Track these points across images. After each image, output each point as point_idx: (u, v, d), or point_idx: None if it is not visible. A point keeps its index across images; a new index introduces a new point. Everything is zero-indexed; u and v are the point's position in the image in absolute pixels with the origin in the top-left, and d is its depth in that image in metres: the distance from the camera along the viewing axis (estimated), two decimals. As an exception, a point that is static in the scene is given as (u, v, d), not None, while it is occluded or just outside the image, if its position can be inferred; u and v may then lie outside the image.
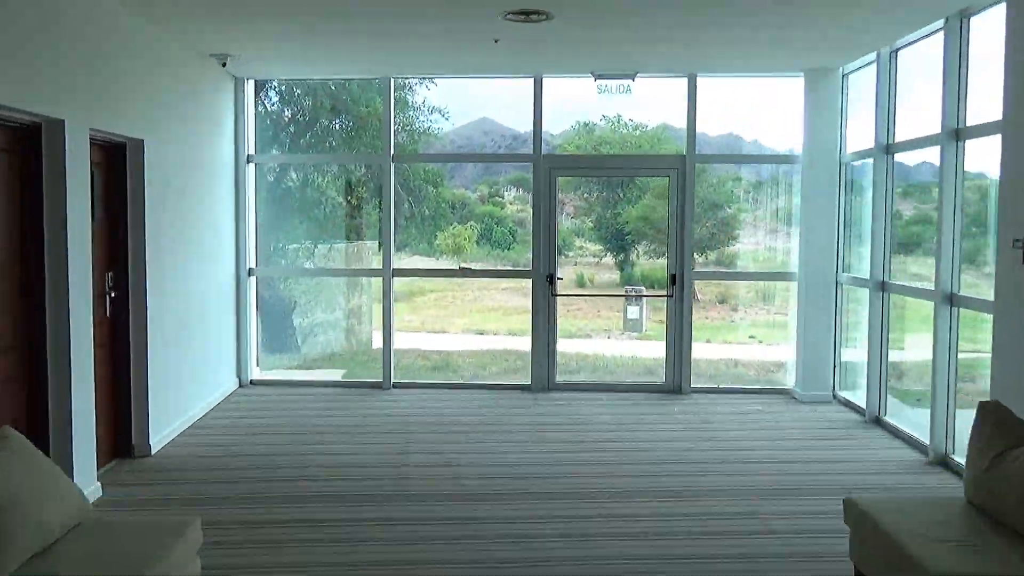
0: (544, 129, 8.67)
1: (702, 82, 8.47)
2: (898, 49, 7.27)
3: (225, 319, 8.59)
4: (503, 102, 9.92)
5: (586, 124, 10.00)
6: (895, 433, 7.19)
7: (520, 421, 7.68)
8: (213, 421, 7.60)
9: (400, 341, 9.75)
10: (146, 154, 6.44)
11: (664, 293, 8.80)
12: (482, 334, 11.38)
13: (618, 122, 9.90)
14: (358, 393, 8.71)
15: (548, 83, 8.58)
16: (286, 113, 12.90)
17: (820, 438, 7.24)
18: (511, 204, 11.48)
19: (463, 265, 8.64)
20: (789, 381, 8.86)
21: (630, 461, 6.46)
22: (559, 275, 8.73)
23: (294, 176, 13.06)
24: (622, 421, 7.67)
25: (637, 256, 10.66)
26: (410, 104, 11.23)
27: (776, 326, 10.20)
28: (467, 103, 10.84)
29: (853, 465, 6.41)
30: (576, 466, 6.33)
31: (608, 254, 10.87)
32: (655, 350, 9.57)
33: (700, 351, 9.52)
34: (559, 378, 8.89)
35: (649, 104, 9.02)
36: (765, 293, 10.23)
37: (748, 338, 10.74)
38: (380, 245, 8.93)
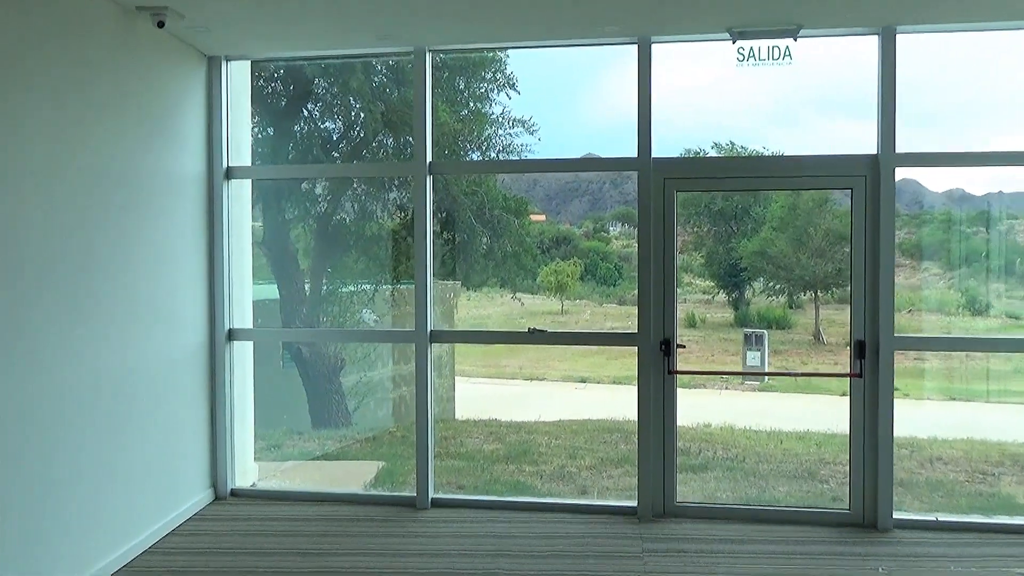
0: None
1: (905, 42, 5.22)
2: None
3: (188, 405, 5.70)
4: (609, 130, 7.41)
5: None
6: None
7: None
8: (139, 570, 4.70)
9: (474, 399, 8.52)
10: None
11: (846, 372, 5.51)
12: (584, 383, 10.17)
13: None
14: (380, 517, 5.65)
15: (661, 52, 5.47)
16: (327, 124, 10.24)
17: None
18: (616, 239, 10.92)
19: (534, 327, 5.53)
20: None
21: None
22: (679, 340, 5.55)
23: (350, 208, 10.42)
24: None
25: (752, 294, 9.68)
26: (489, 115, 9.17)
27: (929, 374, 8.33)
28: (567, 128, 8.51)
29: None
30: None
31: (721, 291, 9.85)
32: (790, 410, 8.13)
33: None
34: (680, 494, 5.66)
35: (815, 81, 5.79)
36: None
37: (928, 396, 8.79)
38: (424, 288, 5.91)
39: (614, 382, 9.88)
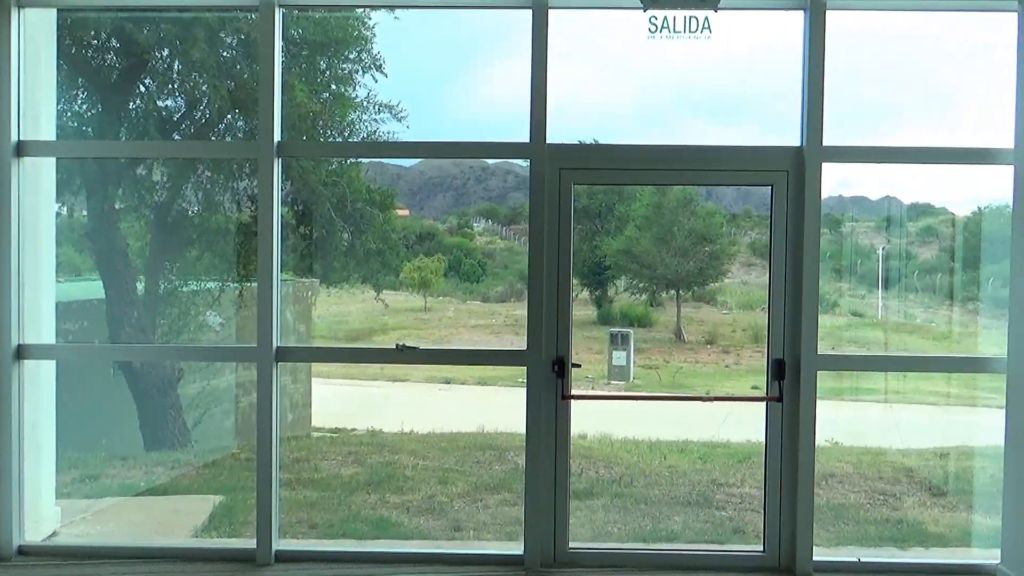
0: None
1: (835, 18, 4.50)
2: None
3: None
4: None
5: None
6: None
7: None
8: None
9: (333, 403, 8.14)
10: None
11: (760, 395, 4.76)
12: (448, 383, 9.58)
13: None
14: None
15: (558, 19, 4.56)
16: (168, 103, 8.91)
17: None
18: (480, 236, 10.64)
19: (402, 344, 4.51)
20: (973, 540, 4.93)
21: None
22: (573, 358, 4.66)
23: (193, 197, 9.11)
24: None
25: (616, 292, 9.53)
26: (353, 99, 8.29)
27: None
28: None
29: None
30: None
31: (584, 289, 9.51)
32: (661, 412, 7.89)
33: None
34: (572, 543, 4.75)
35: (736, 60, 5.00)
36: (757, 333, 8.99)
37: (751, 389, 8.33)
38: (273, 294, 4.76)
39: (479, 383, 9.52)
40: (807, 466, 4.55)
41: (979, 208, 6.45)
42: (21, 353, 4.75)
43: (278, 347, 4.64)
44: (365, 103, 8.56)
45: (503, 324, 9.95)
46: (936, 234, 8.33)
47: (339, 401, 9.69)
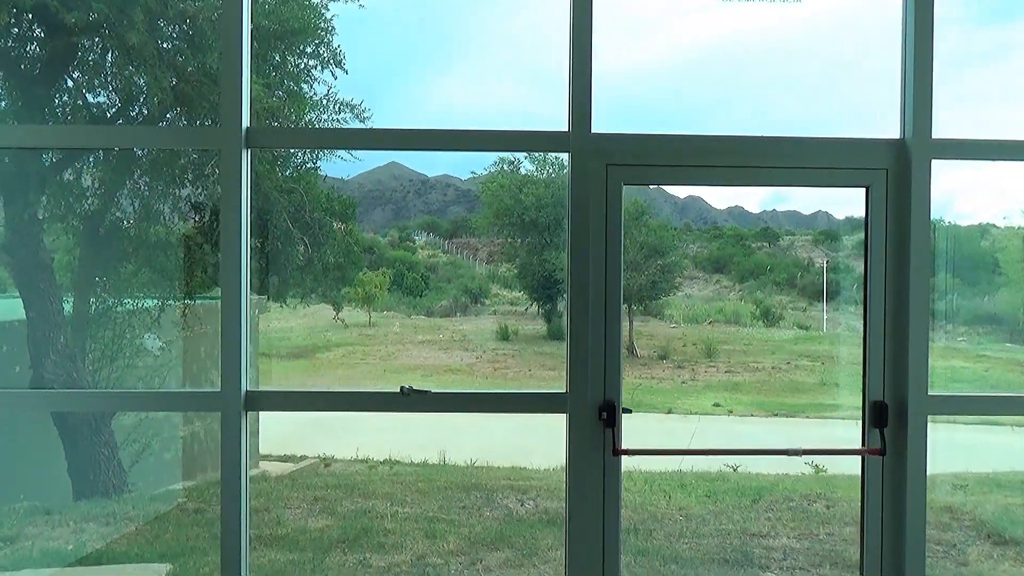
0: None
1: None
2: None
3: None
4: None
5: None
6: None
7: None
8: None
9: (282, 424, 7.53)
10: None
11: (857, 448, 3.80)
12: (406, 393, 7.91)
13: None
14: None
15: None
16: (99, 98, 7.76)
17: None
18: (423, 249, 10.47)
19: (409, 387, 3.44)
20: None
21: None
22: (618, 400, 3.65)
23: (129, 206, 8.02)
24: None
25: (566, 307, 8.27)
26: (309, 96, 7.48)
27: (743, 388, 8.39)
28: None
29: None
30: None
31: (533, 303, 9.44)
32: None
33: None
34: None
35: (822, 31, 4.06)
36: (709, 347, 9.14)
37: (713, 406, 8.69)
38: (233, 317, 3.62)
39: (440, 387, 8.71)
40: (917, 531, 3.61)
41: None
42: (-96, 402, 3.55)
43: (247, 392, 3.53)
44: (324, 101, 7.64)
45: (451, 340, 9.57)
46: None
47: (292, 421, 8.63)
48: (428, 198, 10.90)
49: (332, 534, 5.70)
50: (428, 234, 10.56)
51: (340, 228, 8.52)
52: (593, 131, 3.59)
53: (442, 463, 8.16)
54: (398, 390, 3.54)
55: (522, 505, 6.23)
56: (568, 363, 3.59)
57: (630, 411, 3.67)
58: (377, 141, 3.78)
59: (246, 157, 3.61)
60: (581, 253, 3.58)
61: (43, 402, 4.48)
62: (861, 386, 3.67)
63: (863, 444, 3.69)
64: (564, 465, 3.61)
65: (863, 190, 3.65)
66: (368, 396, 3.65)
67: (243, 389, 3.52)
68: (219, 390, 3.52)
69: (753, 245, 9.70)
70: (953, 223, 7.06)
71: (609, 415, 3.57)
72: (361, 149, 3.81)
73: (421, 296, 10.12)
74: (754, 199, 9.97)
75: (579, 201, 3.60)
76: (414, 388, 3.55)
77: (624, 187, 3.63)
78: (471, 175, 10.12)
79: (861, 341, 3.62)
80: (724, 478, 7.29)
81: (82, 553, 5.29)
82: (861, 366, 3.65)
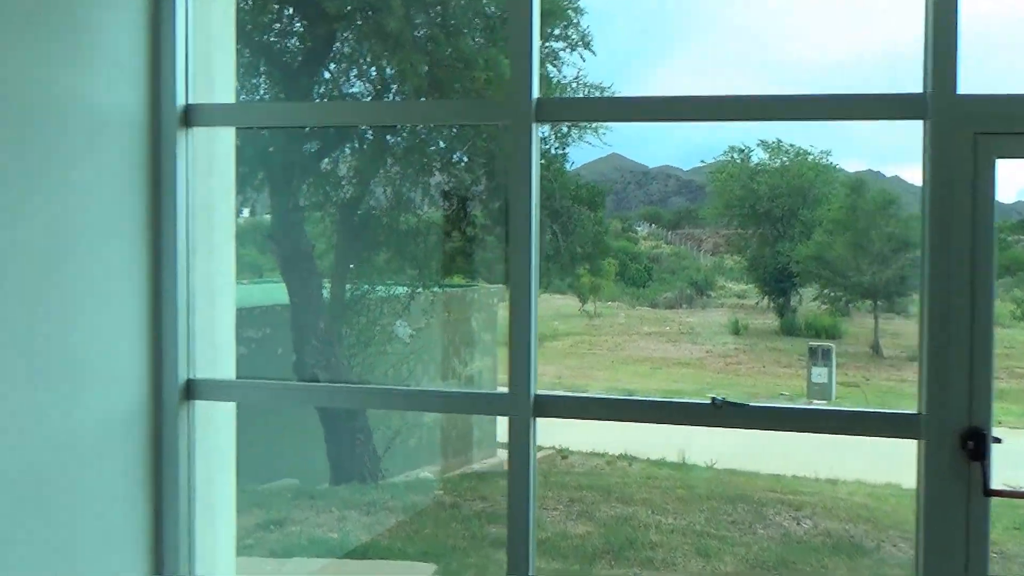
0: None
1: None
2: None
3: (105, 518, 3.09)
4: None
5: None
6: None
7: None
8: None
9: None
10: None
11: None
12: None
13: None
14: None
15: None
16: (354, 87, 7.82)
17: None
18: (645, 240, 10.30)
19: (721, 398, 2.88)
20: None
21: None
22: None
23: (381, 194, 8.17)
24: None
25: (800, 301, 9.07)
26: (557, 80, 7.12)
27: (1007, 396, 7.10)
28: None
29: None
30: None
31: (764, 297, 9.10)
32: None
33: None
34: None
35: None
36: None
37: None
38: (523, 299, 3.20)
39: (664, 396, 8.40)
40: None
41: None
42: (191, 391, 3.43)
43: (536, 396, 3.12)
44: (573, 84, 7.36)
45: (678, 332, 9.30)
46: None
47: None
48: (649, 189, 10.70)
49: (594, 542, 5.27)
50: (650, 225, 10.33)
51: (589, 216, 8.23)
52: (959, 93, 2.85)
53: (682, 462, 7.63)
54: (709, 401, 3.00)
55: (798, 524, 5.54)
56: (924, 379, 2.88)
57: (1000, 440, 2.91)
58: (688, 110, 3.22)
59: (535, 132, 3.18)
60: (941, 246, 2.86)
61: (331, 397, 4.29)
62: None
63: None
64: (916, 502, 2.91)
65: None
66: (674, 407, 3.13)
67: (532, 393, 3.10)
68: (506, 392, 3.12)
69: (1009, 238, 9.18)
70: None
71: (976, 445, 2.83)
72: (660, 120, 3.35)
73: (644, 287, 9.89)
74: (1009, 187, 9.19)
75: (939, 182, 2.86)
76: (727, 400, 2.99)
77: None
78: (699, 163, 9.83)
79: None
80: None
81: (347, 544, 5.20)
82: None
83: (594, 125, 7.30)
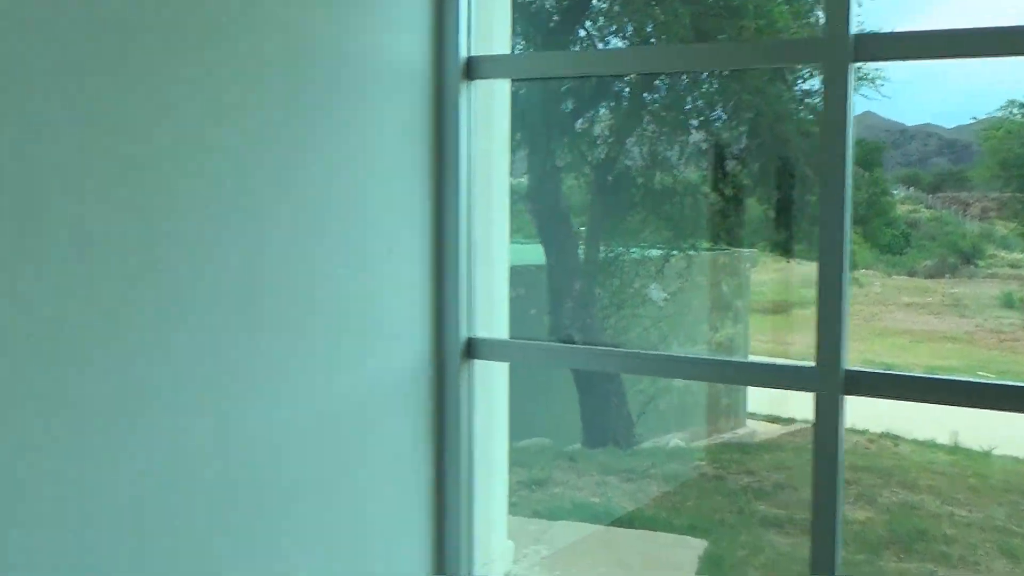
0: None
1: None
2: None
3: (391, 465, 3.11)
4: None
5: None
6: None
7: None
8: None
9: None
10: None
11: None
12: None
13: None
14: None
15: None
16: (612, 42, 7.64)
17: None
18: (902, 204, 9.50)
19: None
20: None
21: None
22: None
23: (637, 153, 8.04)
24: None
25: None
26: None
27: None
28: None
29: None
30: None
31: None
32: None
33: None
34: None
35: None
36: None
37: None
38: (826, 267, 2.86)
39: (928, 371, 7.49)
40: None
41: None
42: (471, 350, 3.39)
43: (846, 371, 2.76)
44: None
45: (941, 304, 8.56)
46: None
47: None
48: (907, 149, 9.99)
49: (878, 531, 4.78)
50: (908, 188, 9.54)
51: (865, 176, 7.60)
52: None
53: (955, 445, 6.84)
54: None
55: None
56: None
57: None
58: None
59: (852, 74, 2.78)
60: None
61: (608, 361, 4.11)
62: None
63: None
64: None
65: None
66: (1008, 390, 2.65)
67: (842, 368, 2.75)
68: (812, 365, 2.79)
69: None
70: None
71: None
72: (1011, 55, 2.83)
73: (901, 254, 9.02)
74: None
75: None
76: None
77: None
78: (970, 120, 8.96)
79: None
80: None
81: (612, 511, 5.06)
82: None
83: (871, 76, 6.67)
